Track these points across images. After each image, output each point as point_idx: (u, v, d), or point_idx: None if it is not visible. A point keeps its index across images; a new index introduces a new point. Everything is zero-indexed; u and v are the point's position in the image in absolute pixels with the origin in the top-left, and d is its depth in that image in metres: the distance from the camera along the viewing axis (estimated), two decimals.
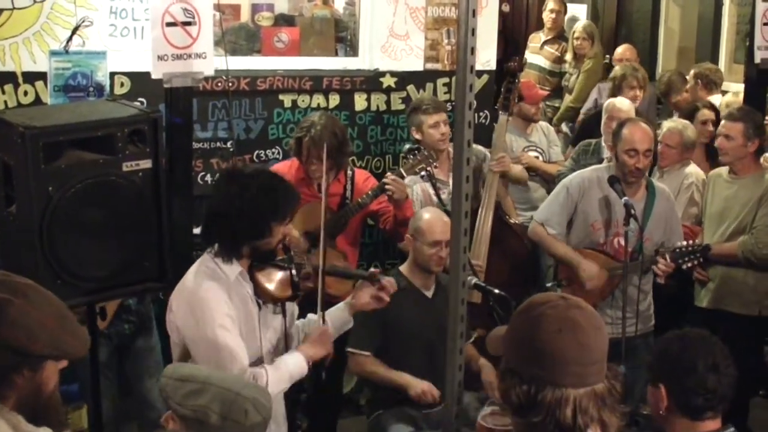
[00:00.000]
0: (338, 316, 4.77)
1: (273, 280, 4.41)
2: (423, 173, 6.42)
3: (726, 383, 3.62)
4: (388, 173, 6.26)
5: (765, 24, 6.96)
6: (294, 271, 4.45)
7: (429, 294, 5.78)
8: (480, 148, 6.81)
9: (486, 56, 7.61)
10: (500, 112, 6.86)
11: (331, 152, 6.05)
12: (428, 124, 6.70)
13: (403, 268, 5.88)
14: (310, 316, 4.79)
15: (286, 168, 6.33)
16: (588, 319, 2.65)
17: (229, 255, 4.26)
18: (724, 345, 3.73)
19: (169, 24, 4.90)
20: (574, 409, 2.56)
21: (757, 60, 6.98)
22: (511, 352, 2.70)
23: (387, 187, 6.14)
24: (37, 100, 6.30)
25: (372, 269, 4.95)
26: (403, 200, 6.25)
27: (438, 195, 6.44)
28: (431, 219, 5.73)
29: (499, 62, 7.93)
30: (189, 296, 4.25)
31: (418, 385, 5.50)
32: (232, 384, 3.47)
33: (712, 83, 8.74)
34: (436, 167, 6.48)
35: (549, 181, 7.78)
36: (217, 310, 4.20)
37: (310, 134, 6.10)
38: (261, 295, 4.40)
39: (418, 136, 6.77)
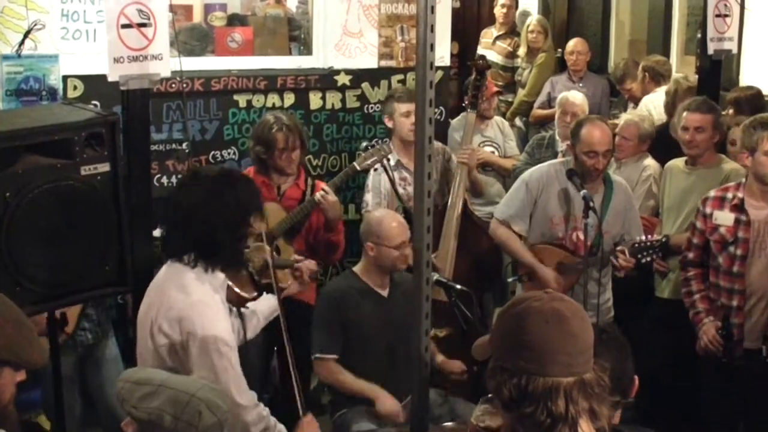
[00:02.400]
0: (268, 305, 4.77)
1: (240, 282, 4.36)
2: (378, 167, 6.42)
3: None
4: (323, 185, 6.18)
5: (717, 16, 7.02)
6: (252, 269, 4.44)
7: (385, 293, 5.77)
8: (446, 148, 6.85)
9: (440, 52, 7.60)
10: (468, 109, 6.87)
11: (305, 141, 6.31)
12: (400, 111, 6.74)
13: (358, 269, 5.84)
14: (266, 295, 4.73)
15: None
16: (572, 310, 2.70)
17: (212, 262, 4.14)
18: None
19: (124, 26, 4.83)
20: (565, 398, 2.60)
21: (710, 51, 7.04)
22: (499, 349, 2.73)
23: (318, 199, 6.09)
24: None
25: (294, 256, 5.12)
26: (336, 221, 6.24)
27: (395, 190, 6.44)
28: (389, 222, 5.70)
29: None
30: (188, 319, 4.04)
31: (386, 404, 5.51)
32: (187, 386, 3.42)
33: (660, 75, 8.79)
34: (388, 160, 6.48)
35: (505, 176, 7.81)
36: (221, 331, 4.08)
37: (282, 125, 6.15)
38: (230, 299, 4.33)
39: (389, 124, 6.83)
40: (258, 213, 4.30)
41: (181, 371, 3.99)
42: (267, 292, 4.66)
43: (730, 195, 5.83)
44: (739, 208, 5.77)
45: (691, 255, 6.05)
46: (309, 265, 5.08)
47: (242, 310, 4.56)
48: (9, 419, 3.12)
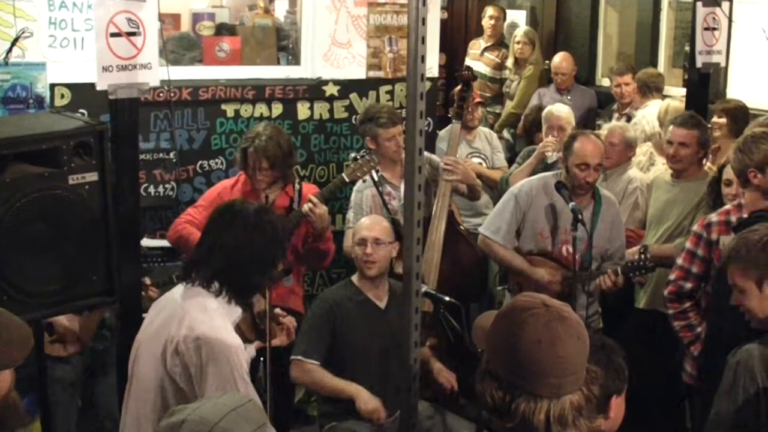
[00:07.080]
0: (250, 353, 4.71)
1: (245, 323, 4.36)
2: (367, 178, 6.40)
3: None
4: (311, 196, 6.14)
5: (706, 29, 7.02)
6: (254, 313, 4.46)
7: (382, 305, 5.73)
8: (434, 157, 6.81)
9: (428, 63, 7.59)
10: (454, 120, 6.86)
11: (277, 163, 6.03)
12: (384, 137, 6.62)
13: (355, 278, 5.83)
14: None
15: (231, 183, 6.29)
16: (568, 329, 2.64)
17: (237, 294, 4.13)
18: None
19: (113, 34, 4.80)
20: (547, 420, 2.58)
21: (699, 64, 7.04)
22: (491, 355, 2.71)
23: (305, 211, 6.06)
24: None
25: (276, 309, 4.98)
26: (324, 231, 6.19)
27: (384, 202, 6.43)
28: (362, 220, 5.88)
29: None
30: (210, 342, 3.96)
31: (368, 403, 5.45)
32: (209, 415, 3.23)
33: (647, 88, 8.82)
34: (377, 171, 6.45)
35: (492, 188, 7.81)
36: (241, 359, 4.04)
37: (254, 144, 6.05)
38: None
39: (372, 146, 6.69)
40: (282, 258, 4.33)
41: (188, 393, 3.94)
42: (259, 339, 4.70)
43: (734, 218, 5.45)
44: None
45: (689, 285, 5.63)
46: (292, 320, 4.99)
47: None
48: (13, 408, 3.13)
